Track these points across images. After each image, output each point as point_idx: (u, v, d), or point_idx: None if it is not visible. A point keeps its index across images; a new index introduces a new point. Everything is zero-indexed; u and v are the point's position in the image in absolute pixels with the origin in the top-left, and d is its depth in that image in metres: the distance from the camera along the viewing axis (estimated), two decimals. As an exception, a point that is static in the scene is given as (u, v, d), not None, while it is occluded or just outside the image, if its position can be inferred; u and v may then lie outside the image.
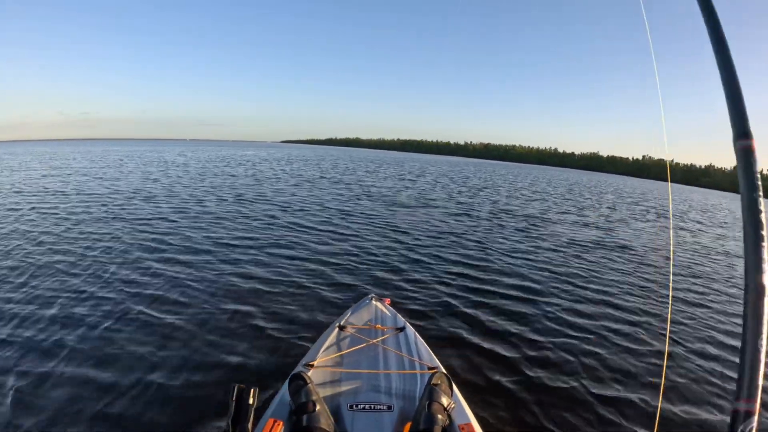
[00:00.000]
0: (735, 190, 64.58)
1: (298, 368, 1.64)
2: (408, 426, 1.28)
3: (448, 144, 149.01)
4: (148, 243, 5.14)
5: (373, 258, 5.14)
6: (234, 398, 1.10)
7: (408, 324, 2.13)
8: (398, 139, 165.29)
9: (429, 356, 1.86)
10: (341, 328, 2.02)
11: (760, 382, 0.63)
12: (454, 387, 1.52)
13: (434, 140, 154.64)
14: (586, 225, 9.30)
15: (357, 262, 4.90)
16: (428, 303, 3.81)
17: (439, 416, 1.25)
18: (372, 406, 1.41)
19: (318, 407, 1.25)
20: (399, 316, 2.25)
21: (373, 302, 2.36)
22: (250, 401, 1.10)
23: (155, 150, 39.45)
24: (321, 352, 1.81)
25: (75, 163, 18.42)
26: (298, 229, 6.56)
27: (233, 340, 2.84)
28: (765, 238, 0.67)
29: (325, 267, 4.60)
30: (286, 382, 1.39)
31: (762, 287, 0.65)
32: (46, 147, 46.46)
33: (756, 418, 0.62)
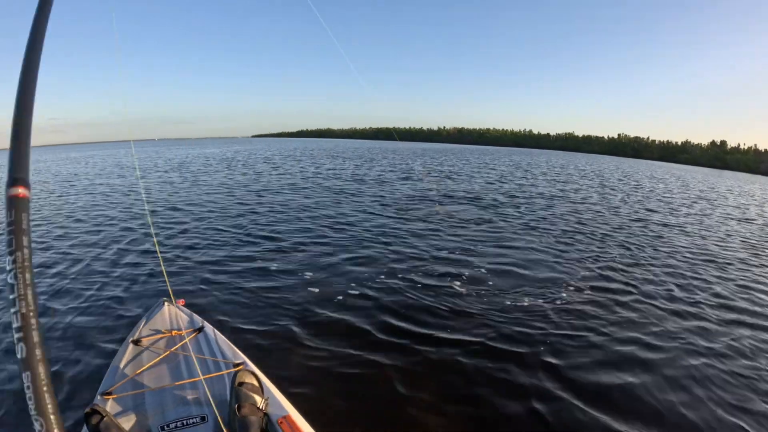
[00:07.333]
0: (714, 166, 60.70)
1: (95, 401, 1.47)
2: None
3: (421, 130, 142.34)
4: None
5: (159, 256, 4.26)
6: None
7: (206, 323, 2.05)
8: (371, 128, 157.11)
9: (232, 353, 1.79)
10: (135, 342, 1.83)
11: None
12: (265, 381, 1.51)
13: (407, 127, 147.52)
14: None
15: (140, 265, 4.07)
16: (224, 294, 3.58)
17: (253, 417, 1.22)
18: (185, 422, 1.30)
19: None
20: (195, 316, 2.13)
21: (166, 306, 2.18)
22: None
23: (92, 155, 34.35)
24: (117, 375, 1.63)
25: None
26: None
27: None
28: None
29: (101, 277, 4.01)
30: (83, 421, 1.27)
31: None
32: None
33: None
